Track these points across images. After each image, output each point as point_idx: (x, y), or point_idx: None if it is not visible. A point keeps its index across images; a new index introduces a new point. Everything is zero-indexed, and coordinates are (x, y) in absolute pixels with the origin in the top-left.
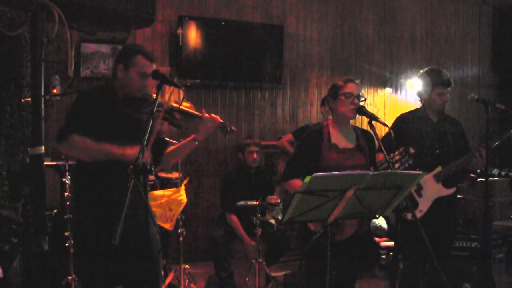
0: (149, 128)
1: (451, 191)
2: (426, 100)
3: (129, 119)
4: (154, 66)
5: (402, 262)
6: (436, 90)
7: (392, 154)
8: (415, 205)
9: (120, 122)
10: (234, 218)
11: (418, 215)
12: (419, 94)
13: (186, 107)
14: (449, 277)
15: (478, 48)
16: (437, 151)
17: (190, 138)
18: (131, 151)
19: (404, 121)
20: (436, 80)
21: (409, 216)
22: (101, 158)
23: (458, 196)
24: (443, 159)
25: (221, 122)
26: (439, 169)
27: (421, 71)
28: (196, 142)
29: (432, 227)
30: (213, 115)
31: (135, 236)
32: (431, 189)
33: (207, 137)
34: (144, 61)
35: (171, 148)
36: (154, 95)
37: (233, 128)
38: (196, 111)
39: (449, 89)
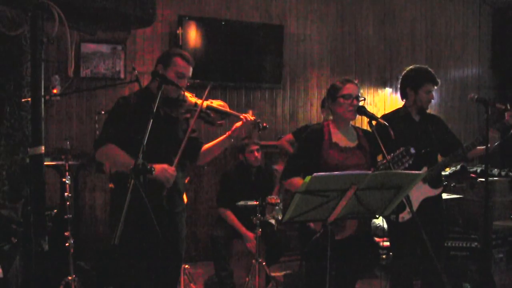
0: (149, 126)
1: (438, 191)
2: (411, 97)
3: (167, 118)
4: (191, 70)
5: (393, 262)
6: (424, 87)
7: (392, 154)
8: (403, 206)
9: (159, 122)
10: (228, 213)
11: (407, 216)
12: (403, 90)
13: (220, 105)
14: (449, 277)
15: (478, 48)
16: (423, 151)
17: (225, 136)
18: (157, 165)
19: (386, 121)
20: (425, 77)
21: (400, 218)
22: (126, 169)
23: (458, 196)
24: (428, 159)
25: (254, 119)
26: (425, 169)
27: (408, 68)
28: (232, 140)
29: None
30: (248, 114)
31: (169, 235)
32: (418, 190)
33: (242, 135)
34: (183, 62)
35: (206, 146)
36: (190, 98)
37: (265, 124)
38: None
39: (436, 88)
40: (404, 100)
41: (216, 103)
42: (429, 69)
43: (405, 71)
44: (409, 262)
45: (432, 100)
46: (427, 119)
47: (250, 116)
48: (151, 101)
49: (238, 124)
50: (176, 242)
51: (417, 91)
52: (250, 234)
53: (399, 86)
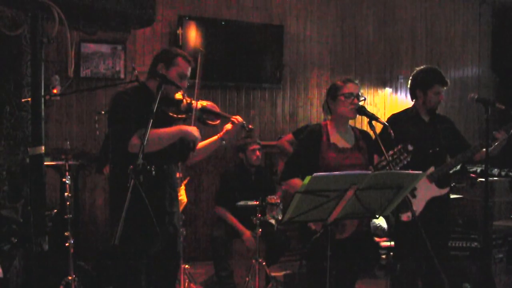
0: (149, 126)
1: (444, 191)
2: (421, 98)
3: (164, 118)
4: (190, 70)
5: (398, 262)
6: (434, 88)
7: (391, 152)
8: (407, 206)
9: (159, 121)
10: (225, 212)
11: (411, 216)
12: (413, 91)
13: (209, 105)
14: (449, 277)
15: (478, 48)
16: (430, 151)
17: (216, 138)
18: (192, 129)
19: (396, 121)
20: (434, 79)
21: (404, 218)
22: (172, 140)
23: (458, 196)
24: (436, 159)
25: (242, 122)
26: (432, 169)
27: (418, 68)
28: (224, 142)
29: (426, 228)
30: (237, 116)
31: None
32: (425, 189)
33: (232, 137)
34: (184, 63)
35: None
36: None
37: (250, 126)
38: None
39: (445, 88)
40: (413, 100)
41: (206, 104)
42: (439, 69)
43: (414, 72)
44: (412, 261)
45: (441, 101)
46: (436, 119)
47: (239, 118)
48: (149, 99)
49: (229, 126)
50: (175, 241)
51: (427, 92)
52: (247, 232)
53: (409, 87)
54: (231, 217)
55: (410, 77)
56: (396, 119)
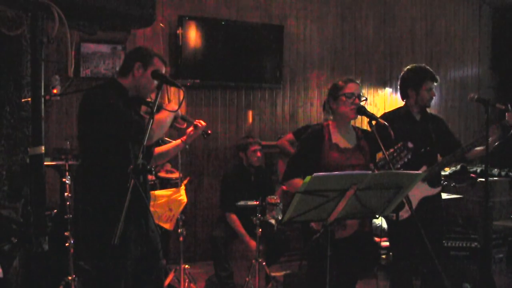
0: (149, 128)
1: (436, 190)
2: (413, 97)
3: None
4: (165, 71)
5: (393, 262)
6: (425, 86)
7: (391, 149)
8: (401, 205)
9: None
10: (234, 217)
11: (405, 215)
12: (404, 91)
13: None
14: (449, 277)
15: (478, 48)
16: (422, 150)
17: (179, 141)
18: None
19: (387, 120)
20: (425, 76)
21: (402, 214)
22: (169, 124)
23: (458, 196)
24: (428, 158)
25: (204, 126)
26: (424, 168)
27: (406, 68)
28: (187, 146)
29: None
30: (200, 120)
31: (138, 236)
32: (417, 189)
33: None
34: (161, 64)
35: (159, 149)
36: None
37: (209, 131)
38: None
39: (436, 84)
40: (404, 100)
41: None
42: (427, 67)
43: (403, 72)
44: (408, 261)
45: (434, 97)
46: (428, 118)
47: (202, 122)
48: (121, 96)
49: (191, 130)
50: (155, 244)
51: (418, 91)
52: (252, 243)
53: (399, 87)
54: (238, 224)
55: (399, 78)
56: (387, 118)
